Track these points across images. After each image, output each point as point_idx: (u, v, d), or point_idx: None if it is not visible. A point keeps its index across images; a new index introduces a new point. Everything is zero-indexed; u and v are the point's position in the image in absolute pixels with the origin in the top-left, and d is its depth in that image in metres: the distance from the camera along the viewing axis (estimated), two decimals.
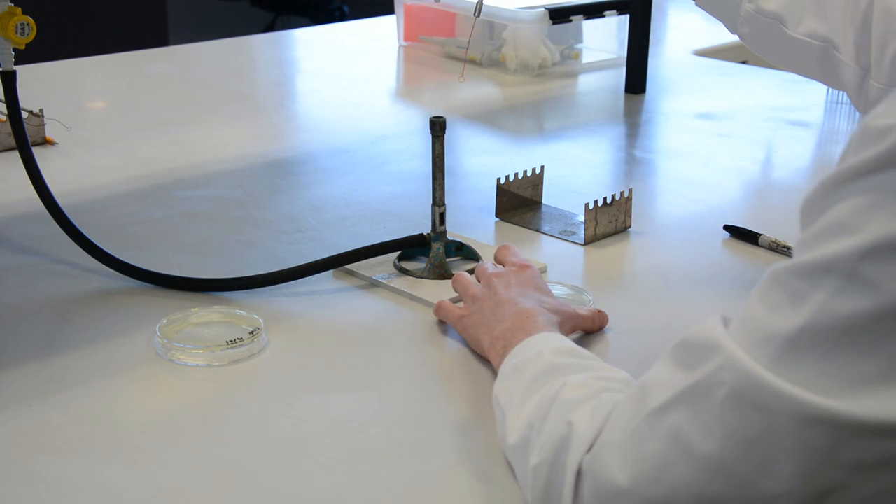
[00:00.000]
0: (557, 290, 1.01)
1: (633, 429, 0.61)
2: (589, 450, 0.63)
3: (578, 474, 0.63)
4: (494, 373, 0.83)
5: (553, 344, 0.80)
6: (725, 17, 1.08)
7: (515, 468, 0.72)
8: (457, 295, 1.00)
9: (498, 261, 1.00)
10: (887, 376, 0.52)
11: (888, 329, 0.52)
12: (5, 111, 1.02)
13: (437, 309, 0.97)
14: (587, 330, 0.95)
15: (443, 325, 0.98)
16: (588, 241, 1.17)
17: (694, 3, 1.10)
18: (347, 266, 1.08)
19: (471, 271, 1.07)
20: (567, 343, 0.81)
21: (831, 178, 0.56)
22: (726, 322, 0.60)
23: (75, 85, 1.91)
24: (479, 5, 1.17)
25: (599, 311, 0.96)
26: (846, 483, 0.53)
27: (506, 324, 0.86)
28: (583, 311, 0.95)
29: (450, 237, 1.11)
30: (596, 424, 0.64)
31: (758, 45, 1.08)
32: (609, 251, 1.16)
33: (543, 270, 1.09)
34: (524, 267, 0.95)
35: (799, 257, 0.56)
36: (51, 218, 1.05)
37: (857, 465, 0.53)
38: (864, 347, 0.52)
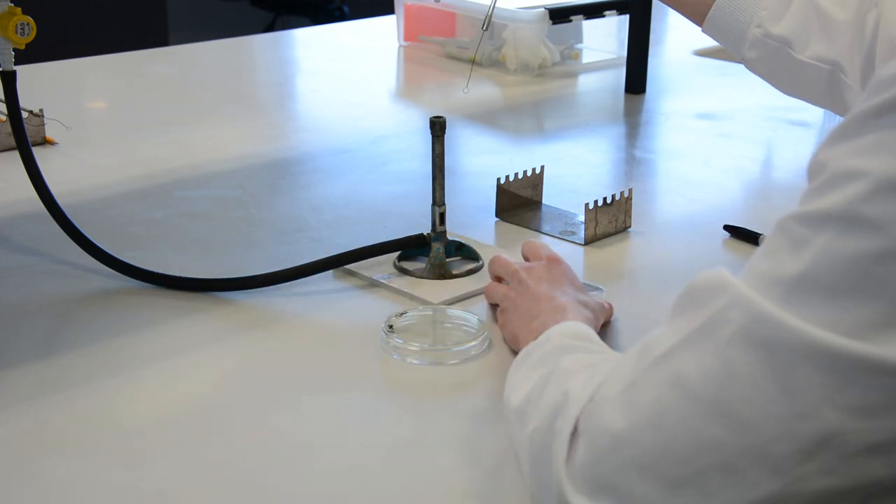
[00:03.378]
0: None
1: (632, 380, 0.59)
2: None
3: (574, 435, 0.61)
4: None
5: (566, 328, 0.80)
6: (731, 42, 1.09)
7: (513, 438, 0.71)
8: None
9: (526, 255, 1.00)
10: (890, 322, 0.51)
11: (890, 271, 0.51)
12: (5, 111, 1.02)
13: (487, 291, 1.00)
14: (606, 321, 0.97)
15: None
16: (588, 241, 1.17)
17: (700, 29, 1.10)
18: (347, 266, 1.08)
19: (470, 271, 1.07)
20: (582, 329, 0.80)
21: (838, 129, 0.56)
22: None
23: (75, 85, 1.91)
24: (489, 18, 1.16)
25: (609, 304, 0.98)
26: (843, 430, 0.52)
27: (541, 318, 0.86)
28: (607, 304, 0.96)
29: (450, 237, 1.11)
30: (591, 387, 0.62)
31: (765, 69, 1.09)
32: (609, 251, 1.16)
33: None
34: (555, 261, 0.96)
35: (803, 206, 0.56)
36: (51, 218, 1.05)
37: (858, 409, 0.52)
38: (865, 292, 0.51)
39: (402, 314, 0.96)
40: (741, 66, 1.15)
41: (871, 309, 0.52)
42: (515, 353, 0.89)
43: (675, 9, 1.12)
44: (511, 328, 0.92)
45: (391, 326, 0.94)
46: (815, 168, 0.57)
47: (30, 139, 1.03)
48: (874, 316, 0.51)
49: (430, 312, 0.98)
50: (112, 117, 1.73)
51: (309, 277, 1.05)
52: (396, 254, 1.09)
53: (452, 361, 0.91)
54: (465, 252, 1.11)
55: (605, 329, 0.97)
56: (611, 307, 0.98)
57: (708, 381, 0.55)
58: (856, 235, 0.52)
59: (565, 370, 0.69)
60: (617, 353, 0.76)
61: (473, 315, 0.96)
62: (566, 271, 0.95)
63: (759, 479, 0.54)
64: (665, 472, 0.56)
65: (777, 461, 0.54)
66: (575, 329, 0.80)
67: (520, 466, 0.70)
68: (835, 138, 0.56)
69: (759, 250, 0.58)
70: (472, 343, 0.92)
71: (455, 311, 0.99)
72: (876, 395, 0.52)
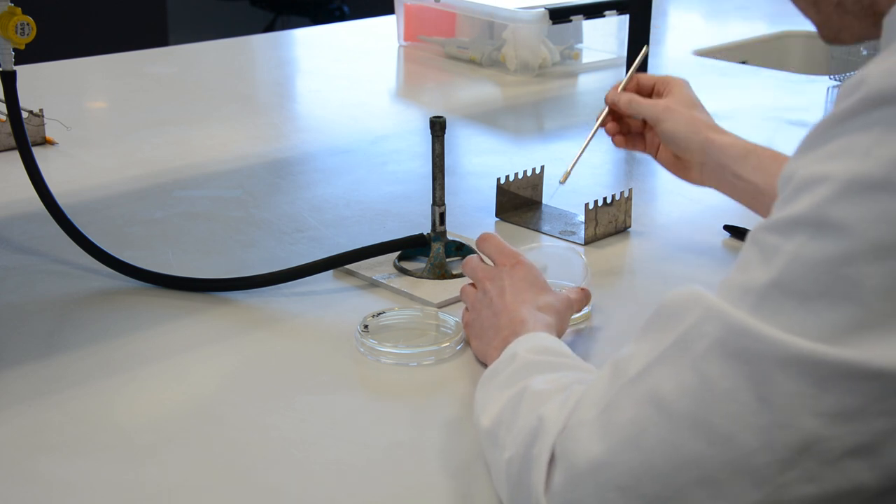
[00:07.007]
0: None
1: (607, 402, 0.59)
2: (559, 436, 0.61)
3: (551, 462, 0.61)
4: None
5: (530, 343, 0.78)
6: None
7: (487, 458, 0.72)
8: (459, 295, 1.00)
9: (484, 253, 0.95)
10: (862, 324, 0.51)
11: (860, 272, 0.51)
12: (5, 111, 1.02)
13: (462, 291, 0.95)
14: (580, 309, 0.94)
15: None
16: (588, 241, 1.17)
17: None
18: (347, 266, 1.08)
19: None
20: (546, 341, 0.79)
21: (805, 141, 0.56)
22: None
23: (75, 85, 1.91)
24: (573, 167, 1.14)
25: (582, 289, 0.95)
26: (823, 436, 0.52)
27: (502, 334, 0.85)
28: (572, 294, 0.93)
29: (450, 237, 1.11)
30: (566, 412, 0.62)
31: None
32: (609, 251, 1.16)
33: (543, 270, 1.09)
34: (516, 264, 0.92)
35: (773, 216, 0.56)
36: (51, 218, 1.05)
37: (835, 414, 0.52)
38: (836, 295, 0.51)
39: (378, 314, 0.96)
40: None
41: (842, 312, 0.51)
42: (485, 365, 0.89)
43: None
44: (477, 343, 0.90)
45: (366, 327, 0.94)
46: (785, 179, 0.57)
47: (30, 139, 1.03)
48: (846, 319, 0.51)
49: (408, 313, 0.98)
50: (112, 117, 1.73)
51: (309, 277, 1.05)
52: (396, 254, 1.09)
53: (427, 361, 0.91)
54: (464, 252, 1.11)
55: (602, 335, 0.96)
56: (585, 293, 0.94)
57: (685, 397, 0.55)
58: (824, 238, 0.52)
59: (537, 392, 0.68)
60: (587, 364, 0.75)
61: (451, 316, 0.97)
62: (526, 273, 0.91)
63: (741, 491, 0.54)
64: (646, 491, 0.56)
65: (758, 472, 0.53)
66: (539, 343, 0.78)
67: (497, 489, 0.70)
68: (802, 150, 0.56)
69: (732, 268, 0.58)
70: (447, 344, 0.92)
71: (432, 310, 0.99)
72: (853, 399, 0.51)
